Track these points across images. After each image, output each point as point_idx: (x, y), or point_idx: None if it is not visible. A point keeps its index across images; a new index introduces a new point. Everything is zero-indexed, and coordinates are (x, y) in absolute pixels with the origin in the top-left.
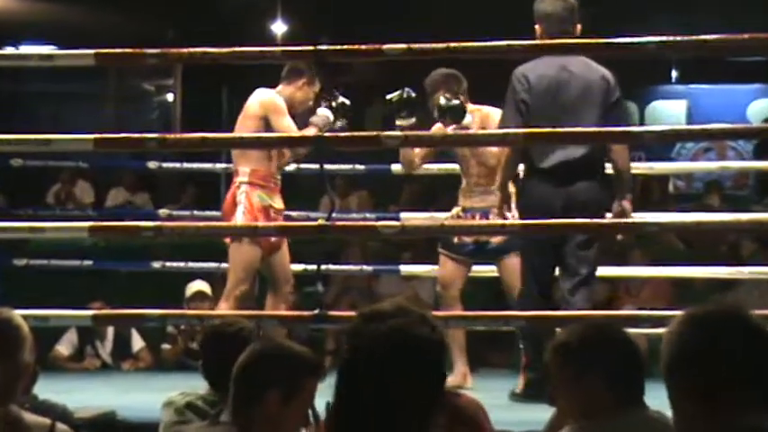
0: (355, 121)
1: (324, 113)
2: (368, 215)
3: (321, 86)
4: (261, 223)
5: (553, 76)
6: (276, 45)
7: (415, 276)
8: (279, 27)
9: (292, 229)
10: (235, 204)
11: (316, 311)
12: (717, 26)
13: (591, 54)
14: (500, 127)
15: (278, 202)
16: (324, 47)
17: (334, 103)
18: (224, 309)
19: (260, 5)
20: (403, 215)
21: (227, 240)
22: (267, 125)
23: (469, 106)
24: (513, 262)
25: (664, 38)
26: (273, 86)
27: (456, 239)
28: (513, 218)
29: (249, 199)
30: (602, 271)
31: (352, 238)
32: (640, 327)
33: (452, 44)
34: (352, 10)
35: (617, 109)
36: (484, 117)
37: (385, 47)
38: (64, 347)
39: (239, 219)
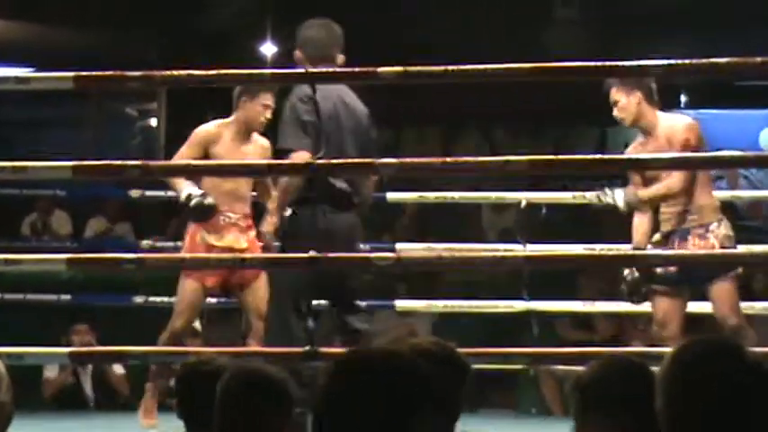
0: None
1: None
2: (361, 246)
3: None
4: (248, 255)
5: (335, 101)
6: (265, 67)
7: (412, 312)
8: (268, 48)
9: (281, 260)
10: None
11: (306, 348)
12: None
13: (594, 77)
14: (282, 147)
15: (226, 239)
16: (315, 69)
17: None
18: (162, 341)
19: (249, 25)
20: (398, 246)
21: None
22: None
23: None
24: (725, 288)
25: (672, 61)
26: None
27: (659, 269)
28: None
29: (193, 237)
30: (608, 306)
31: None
32: (651, 364)
33: (451, 67)
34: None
35: (375, 147)
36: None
37: (380, 69)
38: (50, 371)
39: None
